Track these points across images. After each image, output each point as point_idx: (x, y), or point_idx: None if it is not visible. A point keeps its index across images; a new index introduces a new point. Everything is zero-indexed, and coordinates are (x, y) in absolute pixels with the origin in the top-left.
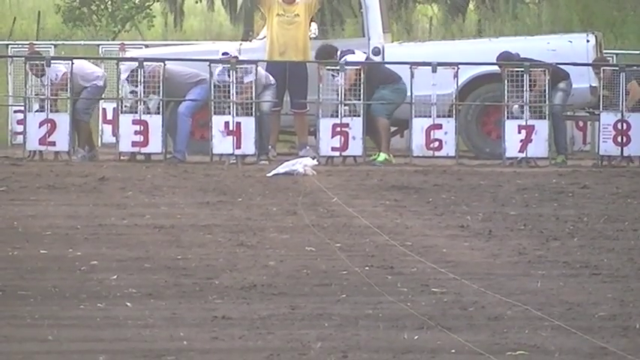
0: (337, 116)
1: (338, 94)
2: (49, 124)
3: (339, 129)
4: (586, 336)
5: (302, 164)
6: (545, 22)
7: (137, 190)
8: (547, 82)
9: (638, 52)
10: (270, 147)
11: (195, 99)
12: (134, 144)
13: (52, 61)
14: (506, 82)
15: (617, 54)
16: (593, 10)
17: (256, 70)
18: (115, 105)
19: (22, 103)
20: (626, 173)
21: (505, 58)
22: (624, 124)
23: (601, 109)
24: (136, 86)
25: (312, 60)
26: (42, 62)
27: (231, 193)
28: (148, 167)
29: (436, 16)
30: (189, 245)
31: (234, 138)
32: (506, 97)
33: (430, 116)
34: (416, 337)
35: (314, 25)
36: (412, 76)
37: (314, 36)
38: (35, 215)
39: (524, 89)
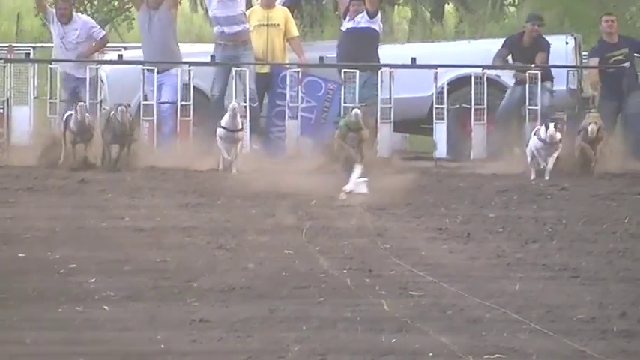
0: None
1: None
2: None
3: None
4: (564, 339)
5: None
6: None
7: (117, 193)
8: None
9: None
10: None
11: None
12: None
13: None
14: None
15: None
16: (573, 12)
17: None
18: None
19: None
20: (605, 176)
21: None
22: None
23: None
24: None
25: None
26: None
27: (211, 196)
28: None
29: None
30: (169, 248)
31: None
32: (472, 101)
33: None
34: (394, 340)
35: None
36: (392, 78)
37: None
38: (14, 217)
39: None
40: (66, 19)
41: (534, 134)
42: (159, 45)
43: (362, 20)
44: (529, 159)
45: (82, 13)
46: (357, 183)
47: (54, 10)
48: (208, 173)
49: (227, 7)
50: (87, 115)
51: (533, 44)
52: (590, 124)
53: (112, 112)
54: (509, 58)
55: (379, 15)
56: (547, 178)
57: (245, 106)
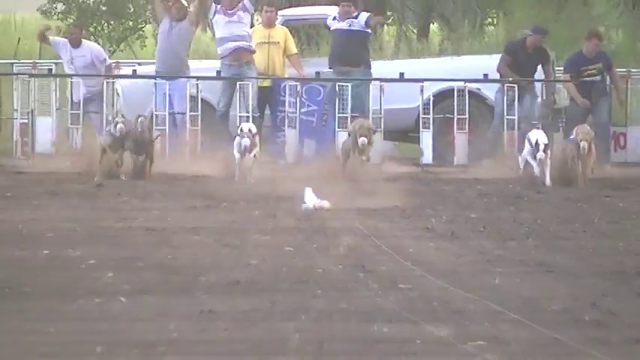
0: None
1: None
2: None
3: None
4: (540, 328)
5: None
6: (504, 41)
7: (131, 196)
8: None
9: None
10: None
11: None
12: None
13: None
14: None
15: None
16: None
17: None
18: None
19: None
20: (577, 180)
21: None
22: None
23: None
24: None
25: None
26: None
27: (217, 199)
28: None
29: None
30: (178, 246)
31: None
32: (455, 112)
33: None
34: (385, 329)
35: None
36: (382, 91)
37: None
38: (38, 219)
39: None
40: (76, 43)
41: (527, 141)
42: (173, 53)
43: (355, 24)
44: (521, 165)
45: (100, 32)
46: (317, 201)
47: (60, 39)
48: (214, 178)
49: (233, 27)
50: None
51: (536, 52)
52: (581, 140)
53: (133, 123)
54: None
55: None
56: (549, 184)
57: (247, 117)
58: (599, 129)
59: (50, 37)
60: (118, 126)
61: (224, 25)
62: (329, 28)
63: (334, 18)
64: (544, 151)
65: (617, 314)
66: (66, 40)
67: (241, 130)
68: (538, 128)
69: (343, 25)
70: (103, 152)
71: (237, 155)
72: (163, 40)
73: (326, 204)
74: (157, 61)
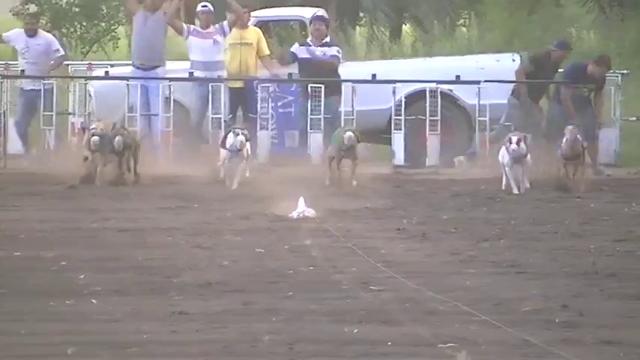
0: None
1: None
2: None
3: None
4: (511, 329)
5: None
6: (476, 43)
7: (105, 197)
8: None
9: (561, 69)
10: None
11: None
12: None
13: None
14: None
15: None
16: (520, 31)
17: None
18: (82, 119)
19: None
20: (550, 182)
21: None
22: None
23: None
24: None
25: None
26: None
27: (190, 200)
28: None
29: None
30: (152, 247)
31: None
32: (427, 113)
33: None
34: (356, 331)
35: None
36: (354, 92)
37: None
38: (11, 219)
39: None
40: (32, 32)
41: (505, 147)
42: (149, 46)
43: (326, 52)
44: (503, 171)
45: (73, 33)
46: (303, 209)
47: (13, 31)
48: (187, 179)
49: (206, 53)
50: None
51: (556, 65)
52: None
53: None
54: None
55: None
56: (518, 192)
57: (220, 119)
58: (586, 133)
59: (3, 35)
60: (117, 139)
61: (198, 50)
62: (296, 57)
63: (301, 44)
64: (521, 152)
65: (589, 315)
66: (21, 30)
67: (234, 130)
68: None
69: (315, 52)
70: (85, 157)
71: (225, 155)
72: (139, 32)
73: (310, 212)
74: (133, 54)
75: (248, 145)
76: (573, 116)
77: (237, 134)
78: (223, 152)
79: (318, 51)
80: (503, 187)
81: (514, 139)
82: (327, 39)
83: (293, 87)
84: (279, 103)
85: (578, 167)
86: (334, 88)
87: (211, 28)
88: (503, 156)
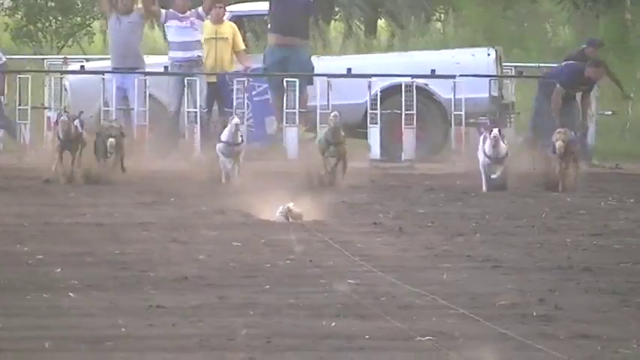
0: None
1: None
2: None
3: None
4: (488, 323)
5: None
6: (451, 38)
7: (80, 192)
8: None
9: (536, 64)
10: None
11: None
12: None
13: None
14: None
15: (516, 66)
16: (495, 27)
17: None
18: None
19: None
20: (525, 176)
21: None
22: None
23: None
24: None
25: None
26: None
27: (165, 195)
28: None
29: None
30: (127, 241)
31: None
32: (403, 107)
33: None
34: (333, 324)
35: None
36: (329, 86)
37: None
38: None
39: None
40: None
41: (480, 145)
42: (126, 47)
43: None
44: (481, 169)
45: (48, 28)
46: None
47: None
48: (163, 174)
49: (185, 34)
50: (75, 124)
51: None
52: (557, 140)
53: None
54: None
55: None
56: (486, 190)
57: (196, 113)
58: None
59: None
60: (110, 141)
61: (176, 31)
62: None
63: None
64: (499, 156)
65: (564, 309)
66: None
67: (236, 125)
68: (495, 127)
69: None
70: (58, 152)
71: (221, 156)
72: (114, 35)
73: (296, 210)
74: (112, 58)
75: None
76: (558, 117)
77: (233, 118)
78: (220, 146)
79: None
80: (484, 191)
81: (492, 140)
82: None
83: (260, 68)
84: (254, 92)
85: (572, 166)
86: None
87: (188, 13)
88: (482, 154)
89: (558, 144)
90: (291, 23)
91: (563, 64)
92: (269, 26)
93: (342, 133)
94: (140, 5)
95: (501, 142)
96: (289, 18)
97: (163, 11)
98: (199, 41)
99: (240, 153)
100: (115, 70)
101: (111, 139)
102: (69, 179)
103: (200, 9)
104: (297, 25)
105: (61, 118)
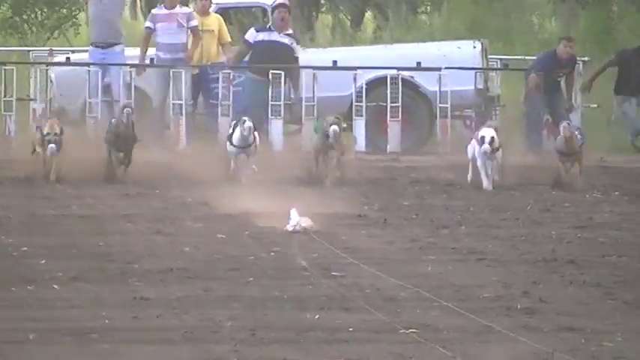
0: None
1: None
2: None
3: None
4: (472, 315)
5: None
6: (437, 30)
7: (65, 184)
8: None
9: (521, 57)
10: None
11: None
12: None
13: None
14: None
15: (501, 59)
16: (481, 20)
17: None
18: (44, 105)
19: None
20: (509, 169)
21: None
22: None
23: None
24: None
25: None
26: None
27: (150, 186)
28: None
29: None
30: (112, 233)
31: None
32: (388, 100)
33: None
34: (317, 317)
35: None
36: (315, 79)
37: None
38: None
39: None
40: None
41: (474, 140)
42: (107, 22)
43: (285, 37)
44: (470, 164)
45: (34, 20)
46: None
47: None
48: (147, 166)
49: (172, 36)
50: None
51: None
52: (561, 139)
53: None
54: None
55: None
56: (490, 188)
57: (181, 105)
58: (559, 120)
59: None
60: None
61: (163, 33)
62: (249, 43)
63: (257, 30)
64: (493, 149)
65: (549, 302)
66: None
67: (249, 129)
68: (490, 126)
69: (274, 36)
70: (33, 150)
71: (232, 150)
72: (95, 12)
73: (307, 222)
74: (91, 31)
75: (256, 136)
76: (528, 100)
77: (244, 121)
78: (231, 149)
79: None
80: (469, 180)
81: (487, 138)
82: (290, 31)
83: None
84: (234, 82)
85: (575, 163)
86: (294, 74)
87: (177, 9)
88: (474, 151)
89: (559, 141)
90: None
91: (540, 54)
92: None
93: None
94: None
95: (495, 140)
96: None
97: (153, 12)
98: (185, 43)
99: (251, 153)
100: (94, 45)
101: (127, 109)
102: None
103: (191, 12)
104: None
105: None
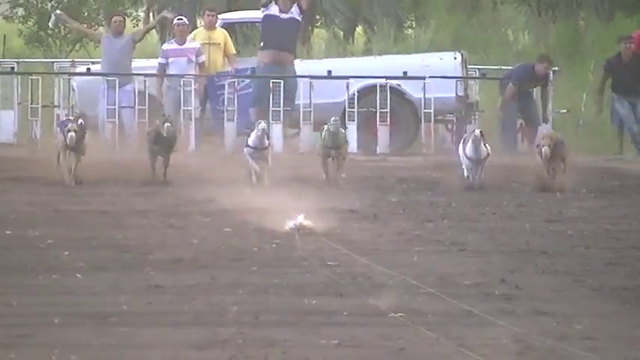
0: None
1: None
2: None
3: None
4: (454, 301)
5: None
6: (421, 43)
7: (86, 182)
8: None
9: (498, 67)
10: None
11: None
12: None
13: None
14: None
15: (479, 69)
16: (461, 33)
17: None
18: (66, 112)
19: None
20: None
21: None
22: None
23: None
24: None
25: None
26: None
27: (163, 185)
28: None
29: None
30: (128, 227)
31: None
32: (377, 106)
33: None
34: (314, 302)
35: None
36: (311, 87)
37: None
38: (1, 202)
39: None
40: None
41: (463, 145)
42: (117, 66)
43: (294, 13)
44: (464, 169)
45: (57, 34)
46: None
47: None
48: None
49: (182, 69)
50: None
51: (632, 59)
52: (543, 146)
53: (160, 126)
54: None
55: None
56: (474, 189)
57: (191, 111)
58: (532, 126)
59: None
60: (166, 125)
61: (174, 67)
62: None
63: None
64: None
65: (524, 289)
66: None
67: (263, 130)
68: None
69: (281, 14)
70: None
71: (250, 160)
72: (106, 55)
73: (307, 222)
74: (102, 67)
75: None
76: (504, 111)
77: (259, 123)
78: (247, 150)
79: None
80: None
81: (474, 143)
82: None
83: (247, 71)
84: (238, 87)
85: (558, 168)
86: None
87: (187, 44)
88: (463, 156)
89: (544, 150)
90: (282, 40)
91: (516, 65)
92: (261, 44)
93: (342, 136)
94: (139, 28)
95: (482, 144)
96: (281, 35)
97: (164, 48)
98: (193, 69)
99: (267, 155)
100: (106, 86)
101: (167, 124)
102: (75, 181)
103: (199, 46)
104: (288, 43)
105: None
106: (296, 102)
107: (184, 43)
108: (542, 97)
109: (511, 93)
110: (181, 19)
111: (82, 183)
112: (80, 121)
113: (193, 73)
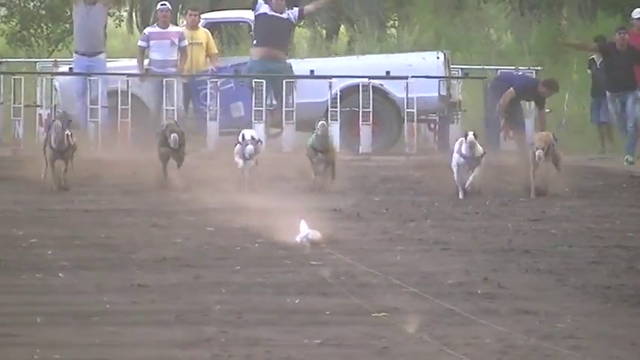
0: None
1: None
2: None
3: None
4: (437, 300)
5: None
6: (404, 42)
7: (70, 181)
8: None
9: (480, 66)
10: None
11: None
12: None
13: None
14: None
15: (462, 68)
16: (443, 33)
17: None
18: (49, 111)
19: None
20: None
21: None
22: None
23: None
24: None
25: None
26: None
27: (147, 183)
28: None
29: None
30: (112, 226)
31: None
32: (360, 105)
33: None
34: (298, 301)
35: None
36: (294, 86)
37: None
38: None
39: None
40: None
41: (457, 148)
42: (91, 33)
43: (290, 15)
44: (455, 174)
45: (40, 34)
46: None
47: None
48: (144, 165)
49: (164, 53)
50: (67, 132)
51: (627, 50)
52: (537, 149)
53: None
54: None
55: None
56: (463, 194)
57: (174, 110)
58: (517, 126)
59: None
60: (172, 136)
61: (156, 50)
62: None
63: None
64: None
65: (507, 287)
66: None
67: (243, 137)
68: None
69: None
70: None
71: (239, 162)
72: (81, 21)
73: (316, 235)
74: (76, 41)
75: (259, 150)
76: (500, 115)
77: (247, 144)
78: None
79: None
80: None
81: (470, 145)
82: None
83: (229, 65)
84: (218, 82)
85: (550, 168)
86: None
87: (170, 28)
88: (456, 160)
89: (537, 153)
90: (275, 38)
91: (520, 72)
92: (254, 42)
93: (330, 140)
94: None
95: (477, 146)
96: (274, 33)
97: (146, 32)
98: (176, 60)
99: (256, 154)
100: (79, 53)
101: (174, 134)
102: (60, 186)
103: (183, 31)
104: (281, 41)
105: (55, 122)
106: (290, 99)
107: (167, 27)
108: (539, 119)
109: (509, 98)
110: (165, 4)
111: (68, 189)
112: (68, 117)
113: (176, 57)
